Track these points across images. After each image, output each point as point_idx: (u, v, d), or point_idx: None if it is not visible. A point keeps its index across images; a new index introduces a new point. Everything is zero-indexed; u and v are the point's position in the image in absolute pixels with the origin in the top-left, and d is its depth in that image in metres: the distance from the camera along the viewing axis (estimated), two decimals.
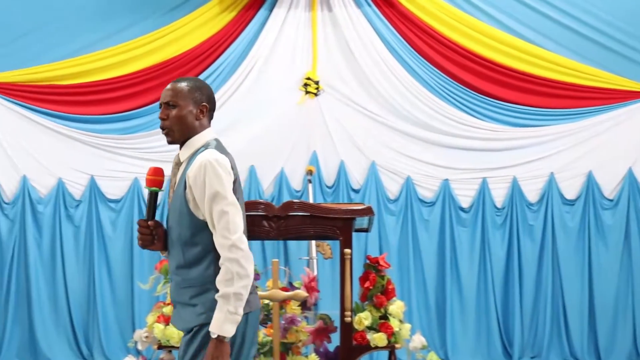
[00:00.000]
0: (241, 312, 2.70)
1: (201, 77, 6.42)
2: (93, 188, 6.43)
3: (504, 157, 6.60)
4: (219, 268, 2.72)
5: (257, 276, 4.07)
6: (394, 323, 4.04)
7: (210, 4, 6.45)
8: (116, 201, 6.48)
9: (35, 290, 6.35)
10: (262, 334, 4.18)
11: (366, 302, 4.13)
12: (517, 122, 6.61)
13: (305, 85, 6.50)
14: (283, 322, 4.15)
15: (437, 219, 6.60)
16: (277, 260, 4.15)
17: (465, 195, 6.61)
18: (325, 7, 6.49)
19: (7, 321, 6.32)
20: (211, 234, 2.77)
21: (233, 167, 2.85)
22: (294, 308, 4.20)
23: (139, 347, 4.28)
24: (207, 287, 2.77)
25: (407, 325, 4.13)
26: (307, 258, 5.89)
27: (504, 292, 6.58)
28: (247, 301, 2.75)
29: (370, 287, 4.09)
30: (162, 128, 2.91)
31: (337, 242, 3.97)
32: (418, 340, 4.18)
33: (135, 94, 6.46)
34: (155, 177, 2.92)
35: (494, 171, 6.61)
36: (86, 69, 6.42)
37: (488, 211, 6.55)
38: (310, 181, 6.36)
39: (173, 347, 4.06)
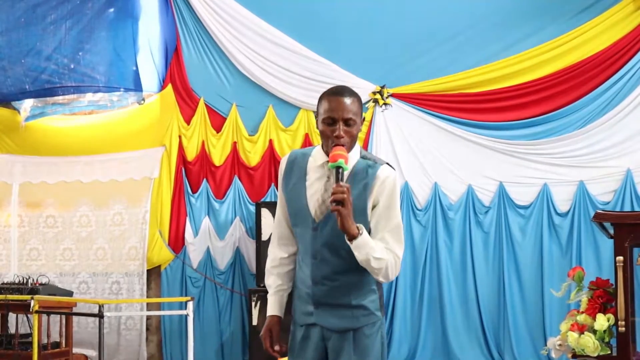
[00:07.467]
0: (364, 256, 2.69)
1: (610, 80, 6.29)
2: (502, 194, 6.50)
3: None
4: None
5: None
6: None
7: (623, 4, 6.28)
8: (525, 207, 6.48)
9: (447, 293, 6.52)
10: None
11: None
12: None
13: None
14: None
15: None
16: None
17: None
18: None
19: (422, 323, 6.56)
20: None
21: None
22: None
23: (553, 355, 4.20)
24: (371, 287, 2.86)
25: None
26: None
27: None
28: (382, 306, 2.90)
29: None
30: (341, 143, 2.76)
31: None
32: None
33: (544, 99, 6.44)
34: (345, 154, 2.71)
35: None
36: (493, 77, 6.53)
37: None
38: None
39: (588, 356, 3.91)
